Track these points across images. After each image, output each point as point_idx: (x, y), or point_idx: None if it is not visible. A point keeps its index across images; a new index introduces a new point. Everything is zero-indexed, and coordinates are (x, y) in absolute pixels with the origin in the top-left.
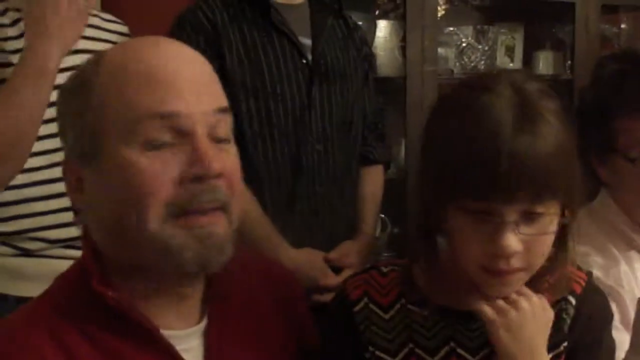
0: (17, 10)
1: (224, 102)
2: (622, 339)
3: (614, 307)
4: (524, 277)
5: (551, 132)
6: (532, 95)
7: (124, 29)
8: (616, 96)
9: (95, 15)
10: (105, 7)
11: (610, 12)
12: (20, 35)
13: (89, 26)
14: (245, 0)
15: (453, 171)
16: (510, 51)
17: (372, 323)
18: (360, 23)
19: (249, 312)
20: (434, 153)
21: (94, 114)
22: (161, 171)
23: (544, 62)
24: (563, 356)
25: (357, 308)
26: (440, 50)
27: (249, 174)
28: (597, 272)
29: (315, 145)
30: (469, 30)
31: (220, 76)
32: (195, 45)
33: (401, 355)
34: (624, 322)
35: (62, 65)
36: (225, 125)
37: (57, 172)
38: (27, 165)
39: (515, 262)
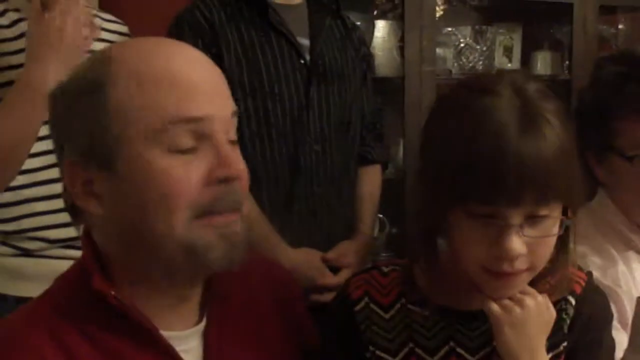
0: (17, 10)
1: (234, 104)
2: (619, 338)
3: (611, 307)
4: (527, 278)
5: (553, 133)
6: (532, 97)
7: (123, 29)
8: (616, 97)
9: (95, 15)
10: (103, 7)
11: (608, 13)
12: (20, 36)
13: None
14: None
15: (452, 172)
16: (508, 51)
17: (372, 323)
18: (358, 23)
19: (248, 313)
20: (433, 154)
21: (111, 117)
22: (187, 174)
23: (542, 63)
24: (563, 356)
25: (358, 308)
26: (438, 50)
27: None
28: (594, 272)
29: (313, 145)
30: (467, 30)
31: None
32: (194, 46)
33: (401, 354)
34: (621, 322)
35: None
36: (234, 128)
37: (56, 172)
38: (27, 166)
39: (519, 264)
